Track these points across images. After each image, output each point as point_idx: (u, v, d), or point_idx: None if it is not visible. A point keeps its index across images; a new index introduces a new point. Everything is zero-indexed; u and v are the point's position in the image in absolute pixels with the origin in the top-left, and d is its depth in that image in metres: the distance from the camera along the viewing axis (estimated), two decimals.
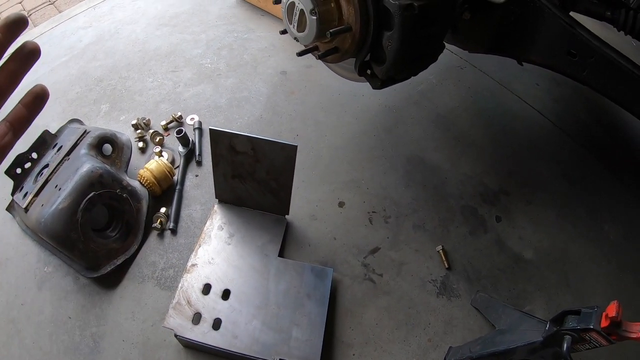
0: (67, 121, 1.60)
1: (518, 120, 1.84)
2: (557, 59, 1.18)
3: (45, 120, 1.70)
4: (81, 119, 1.64)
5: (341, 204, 1.55)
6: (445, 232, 1.50)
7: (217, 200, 1.46)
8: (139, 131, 1.67)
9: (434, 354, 1.27)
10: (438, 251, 1.45)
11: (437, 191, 1.60)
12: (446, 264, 1.43)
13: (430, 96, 1.87)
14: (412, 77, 1.37)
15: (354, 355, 1.26)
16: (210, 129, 1.26)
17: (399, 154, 1.69)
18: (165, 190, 1.52)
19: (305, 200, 1.54)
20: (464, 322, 1.33)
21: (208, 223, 1.40)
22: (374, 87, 1.36)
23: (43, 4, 2.59)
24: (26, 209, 1.35)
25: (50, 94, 0.55)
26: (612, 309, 0.84)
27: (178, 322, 1.18)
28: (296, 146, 1.23)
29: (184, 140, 1.59)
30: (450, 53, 2.01)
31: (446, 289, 1.39)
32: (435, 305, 1.36)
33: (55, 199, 1.26)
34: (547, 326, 0.98)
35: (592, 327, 0.86)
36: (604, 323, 0.84)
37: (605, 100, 1.93)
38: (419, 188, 1.60)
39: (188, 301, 1.21)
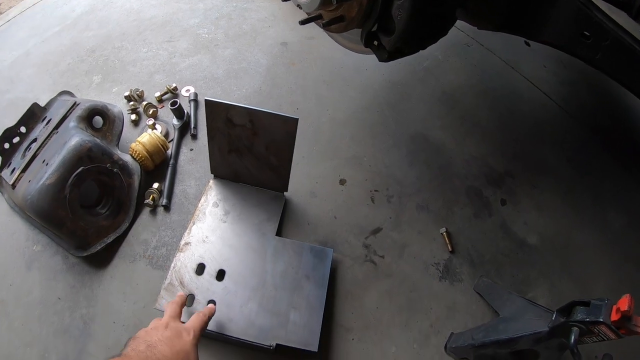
0: (57, 93, 1.48)
1: (524, 101, 1.73)
2: (570, 40, 1.07)
3: (35, 93, 1.57)
4: (72, 91, 1.52)
5: (342, 182, 1.44)
6: (449, 214, 1.41)
7: (212, 175, 1.34)
8: (131, 103, 1.54)
9: (435, 340, 1.19)
10: (442, 233, 1.36)
11: (442, 171, 1.49)
12: (450, 247, 1.34)
13: (436, 73, 1.74)
14: (418, 52, 1.26)
15: (353, 339, 1.17)
16: (205, 100, 1.14)
17: (402, 131, 1.57)
18: (158, 165, 1.40)
19: (305, 176, 1.43)
20: (467, 307, 1.25)
21: (203, 199, 1.29)
22: (381, 60, 1.25)
23: None
24: (13, 186, 1.24)
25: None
26: (624, 303, 0.78)
27: None
28: (297, 119, 1.11)
29: (178, 112, 1.47)
30: (457, 29, 1.88)
31: (449, 273, 1.30)
32: (437, 290, 1.27)
33: (42, 174, 1.16)
34: (554, 316, 0.92)
35: (601, 320, 0.80)
36: (615, 317, 0.79)
37: (611, 86, 1.88)
38: (423, 167, 1.49)
39: (181, 282, 1.11)
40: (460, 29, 1.88)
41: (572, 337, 0.84)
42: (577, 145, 1.63)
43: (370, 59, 1.70)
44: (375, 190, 1.43)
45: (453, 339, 1.16)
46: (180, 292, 1.05)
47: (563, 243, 1.40)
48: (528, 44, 1.91)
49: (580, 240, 1.41)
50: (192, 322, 0.91)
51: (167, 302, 0.99)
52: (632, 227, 1.45)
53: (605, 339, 0.83)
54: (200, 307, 1.08)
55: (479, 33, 1.88)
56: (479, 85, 1.74)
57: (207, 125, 1.19)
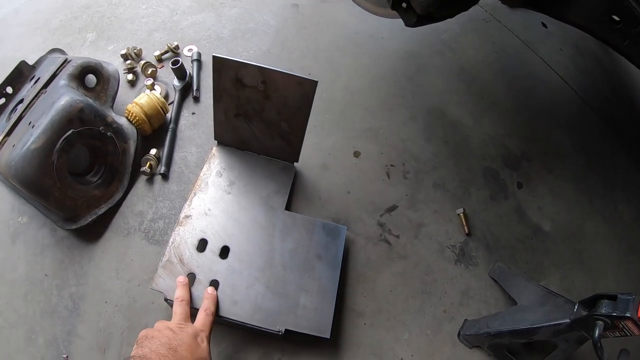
0: (47, 51, 1.29)
1: (542, 84, 1.58)
2: (597, 24, 0.95)
3: (24, 52, 1.36)
4: (64, 50, 1.32)
5: (356, 154, 1.28)
6: (466, 195, 1.26)
7: (216, 142, 1.16)
8: (128, 62, 1.34)
9: (449, 326, 1.07)
10: (459, 214, 1.22)
11: (459, 149, 1.34)
12: (466, 229, 1.20)
13: (454, 47, 1.57)
14: (435, 25, 1.13)
15: (365, 324, 1.04)
16: (213, 56, 0.95)
17: (419, 104, 1.41)
18: (157, 129, 1.22)
19: (317, 147, 1.26)
20: (481, 293, 1.13)
21: (205, 168, 1.12)
22: (408, 24, 1.10)
23: None
24: None
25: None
26: None
27: (168, 284, 0.92)
28: (316, 82, 0.94)
29: (180, 72, 1.27)
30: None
31: (465, 257, 1.17)
32: (452, 274, 1.14)
33: (28, 138, 0.97)
34: (576, 308, 0.83)
35: (629, 315, 0.72)
36: None
37: (627, 77, 1.74)
38: (440, 143, 1.34)
39: (180, 259, 0.95)
40: (478, 3, 1.72)
41: (597, 332, 0.76)
42: (592, 134, 1.51)
43: (386, 27, 1.54)
44: (391, 165, 1.27)
45: (467, 326, 1.05)
46: (181, 278, 0.91)
47: (575, 232, 1.29)
48: (545, 25, 1.76)
49: (591, 230, 1.30)
50: (202, 325, 0.85)
51: (173, 300, 0.88)
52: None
53: (628, 334, 0.76)
54: (202, 288, 0.93)
55: (497, 9, 1.72)
56: (497, 63, 1.58)
57: (213, 86, 1.01)
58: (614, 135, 1.52)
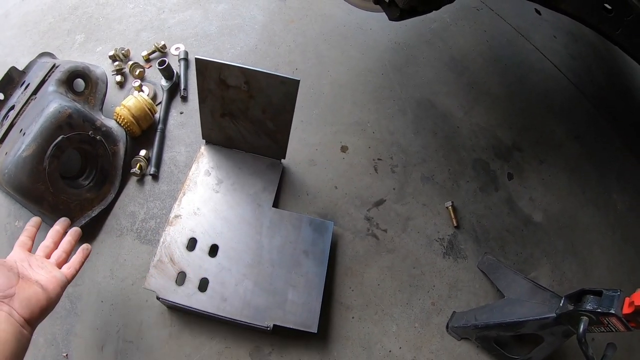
0: (37, 55, 1.31)
1: (534, 72, 1.60)
2: (590, 12, 0.96)
3: (14, 56, 1.41)
4: (54, 52, 1.35)
5: (344, 149, 1.32)
6: (455, 187, 1.30)
7: (204, 141, 1.21)
8: (116, 63, 1.37)
9: (437, 319, 1.12)
10: (447, 207, 1.26)
11: (448, 141, 1.37)
12: (455, 222, 1.24)
13: (444, 36, 1.59)
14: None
15: (353, 318, 1.09)
16: (196, 59, 0.99)
17: (408, 96, 1.44)
18: (145, 130, 1.26)
19: (304, 142, 1.30)
20: (470, 285, 1.17)
21: (194, 167, 1.16)
22: (391, 19, 1.12)
23: None
24: None
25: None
26: (638, 297, 0.73)
27: (160, 283, 0.97)
28: (298, 81, 0.97)
29: (166, 72, 1.31)
30: None
31: (453, 249, 1.21)
32: (441, 267, 1.19)
33: (19, 146, 1.01)
34: (562, 302, 0.87)
35: (613, 312, 0.75)
36: (627, 309, 0.74)
37: (621, 65, 1.75)
38: (429, 135, 1.37)
39: (171, 258, 1.00)
40: None
41: (581, 327, 0.79)
42: (585, 122, 1.53)
43: (374, 18, 1.57)
44: (379, 159, 1.31)
45: (455, 318, 1.10)
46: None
47: (567, 222, 1.32)
48: (539, 12, 1.77)
49: (584, 220, 1.33)
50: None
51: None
52: (634, 210, 1.38)
53: (613, 330, 0.78)
54: (192, 286, 0.98)
55: None
56: (489, 52, 1.60)
57: (198, 87, 1.05)
58: (608, 123, 1.54)
